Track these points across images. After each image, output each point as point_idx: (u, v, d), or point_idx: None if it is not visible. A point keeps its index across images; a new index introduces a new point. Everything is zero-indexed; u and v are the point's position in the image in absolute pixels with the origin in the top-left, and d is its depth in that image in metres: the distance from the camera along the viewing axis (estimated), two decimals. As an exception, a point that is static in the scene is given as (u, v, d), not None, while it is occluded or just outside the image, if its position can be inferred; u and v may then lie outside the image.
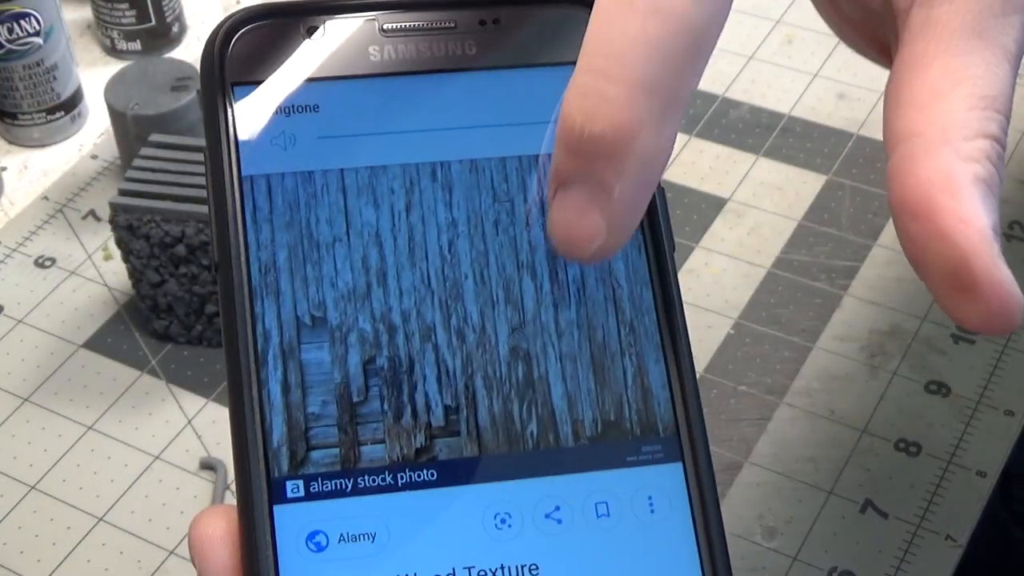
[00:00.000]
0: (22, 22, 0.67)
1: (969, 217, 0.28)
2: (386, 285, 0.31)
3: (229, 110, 0.31)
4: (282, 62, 0.32)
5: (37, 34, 0.68)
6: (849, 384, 0.58)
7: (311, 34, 0.32)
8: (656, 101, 0.26)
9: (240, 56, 0.32)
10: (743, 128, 0.70)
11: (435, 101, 0.32)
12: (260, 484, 0.29)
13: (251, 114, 0.32)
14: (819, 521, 0.53)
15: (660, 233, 0.32)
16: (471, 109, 0.32)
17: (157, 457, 0.56)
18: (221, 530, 0.29)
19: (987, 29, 0.30)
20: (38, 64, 0.69)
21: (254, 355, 0.30)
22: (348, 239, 0.31)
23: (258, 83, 0.32)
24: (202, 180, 0.57)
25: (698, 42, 0.26)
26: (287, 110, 0.32)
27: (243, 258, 0.31)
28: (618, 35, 0.26)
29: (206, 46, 0.32)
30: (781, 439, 0.56)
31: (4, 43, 0.67)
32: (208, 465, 0.55)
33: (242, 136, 0.31)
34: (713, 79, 0.73)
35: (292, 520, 0.29)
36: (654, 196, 0.32)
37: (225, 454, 0.56)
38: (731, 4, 0.27)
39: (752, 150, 0.69)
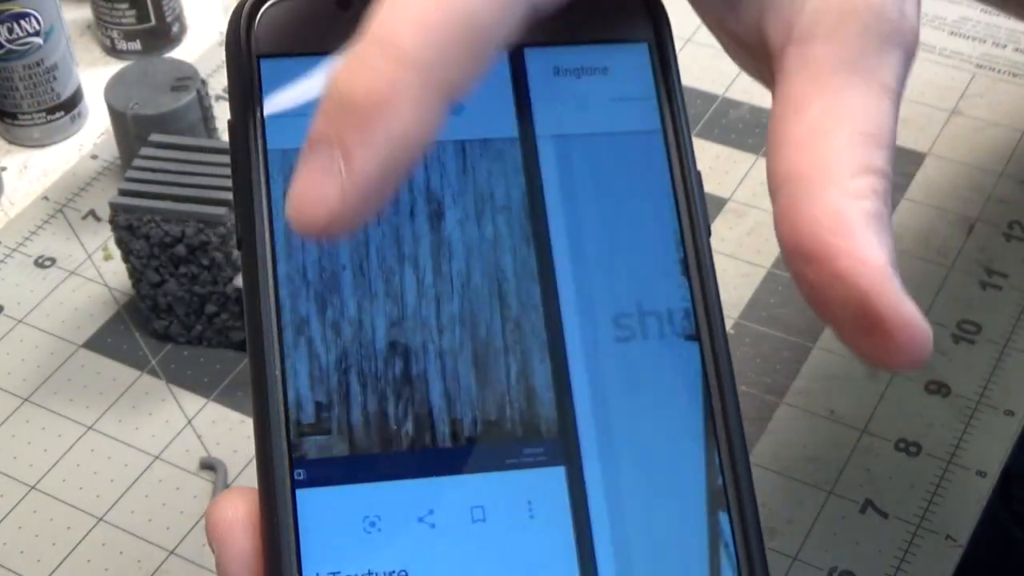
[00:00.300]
0: (22, 22, 0.67)
1: (865, 256, 0.28)
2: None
3: (255, 83, 0.30)
4: (311, 34, 0.31)
5: (37, 34, 0.68)
6: (849, 384, 0.58)
7: (341, 6, 0.31)
8: (420, 80, 0.26)
9: (267, 27, 0.31)
10: (743, 128, 0.70)
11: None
12: (283, 467, 0.28)
13: (278, 87, 0.31)
14: (819, 521, 0.53)
15: (698, 218, 0.32)
16: (503, 89, 0.32)
17: (157, 457, 0.56)
18: (241, 514, 0.29)
19: (864, 66, 0.30)
20: (38, 64, 0.69)
21: (277, 335, 0.29)
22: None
23: (286, 55, 0.31)
24: (202, 180, 0.57)
25: (476, 34, 0.26)
26: (315, 84, 0.31)
27: (268, 234, 0.30)
28: (399, 12, 0.26)
29: (232, 17, 0.31)
30: (781, 439, 0.56)
31: (4, 43, 0.67)
32: (208, 465, 0.55)
33: (268, 110, 0.30)
34: (713, 79, 0.73)
35: (316, 504, 0.28)
36: (690, 180, 0.32)
37: (225, 454, 0.56)
38: (528, 6, 0.27)
39: (752, 150, 0.69)
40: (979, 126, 0.70)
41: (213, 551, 0.29)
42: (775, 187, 0.29)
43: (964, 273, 0.62)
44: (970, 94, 0.71)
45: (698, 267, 0.31)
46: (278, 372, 0.29)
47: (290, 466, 0.29)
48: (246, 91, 0.30)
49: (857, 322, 0.28)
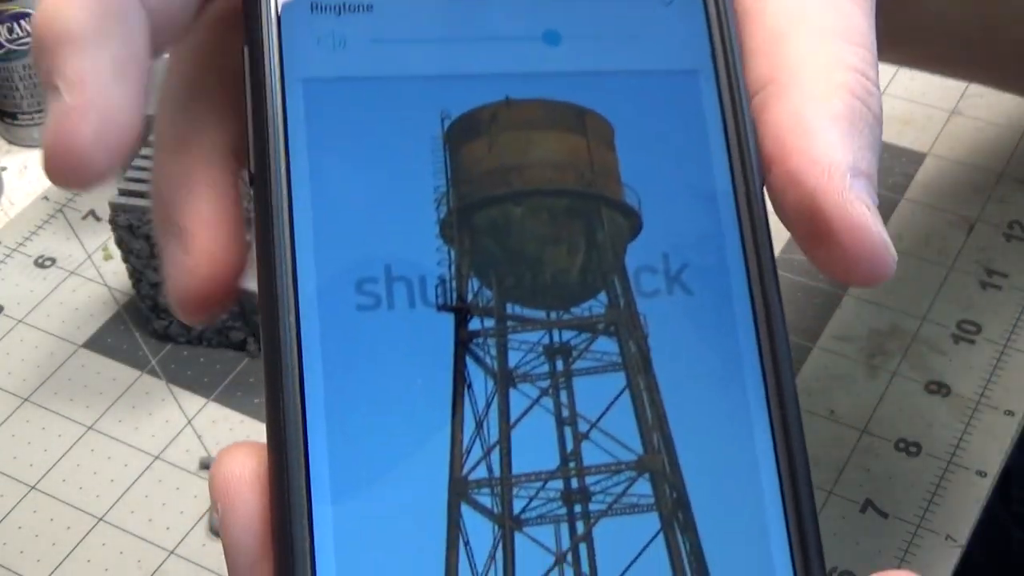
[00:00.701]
0: (22, 22, 0.67)
1: (819, 156, 0.26)
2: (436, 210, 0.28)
3: (272, 5, 0.29)
4: None
5: (37, 34, 0.68)
6: (849, 384, 0.58)
7: None
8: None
9: None
10: (743, 128, 0.70)
11: (504, 7, 0.30)
12: (295, 420, 0.26)
13: (296, 11, 0.29)
14: (819, 521, 0.53)
15: (751, 166, 0.29)
16: (540, 18, 0.30)
17: (157, 457, 0.56)
18: (249, 471, 0.26)
19: None
20: (38, 64, 0.69)
21: (292, 277, 0.27)
22: (397, 155, 0.28)
23: None
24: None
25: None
26: (338, 8, 0.29)
27: (283, 169, 0.28)
28: None
29: None
30: (781, 439, 0.56)
31: (4, 43, 0.67)
32: (208, 465, 0.55)
33: (286, 35, 0.28)
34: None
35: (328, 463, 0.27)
36: (743, 124, 0.29)
37: (225, 454, 0.56)
38: None
39: (752, 150, 0.69)
40: (979, 126, 0.70)
41: (217, 511, 0.27)
42: (750, 98, 0.28)
43: (964, 273, 0.62)
44: (970, 94, 0.71)
45: (751, 222, 0.29)
46: (292, 319, 0.27)
47: (303, 418, 0.26)
48: (262, 14, 0.28)
49: (808, 228, 0.26)
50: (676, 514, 0.27)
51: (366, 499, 0.26)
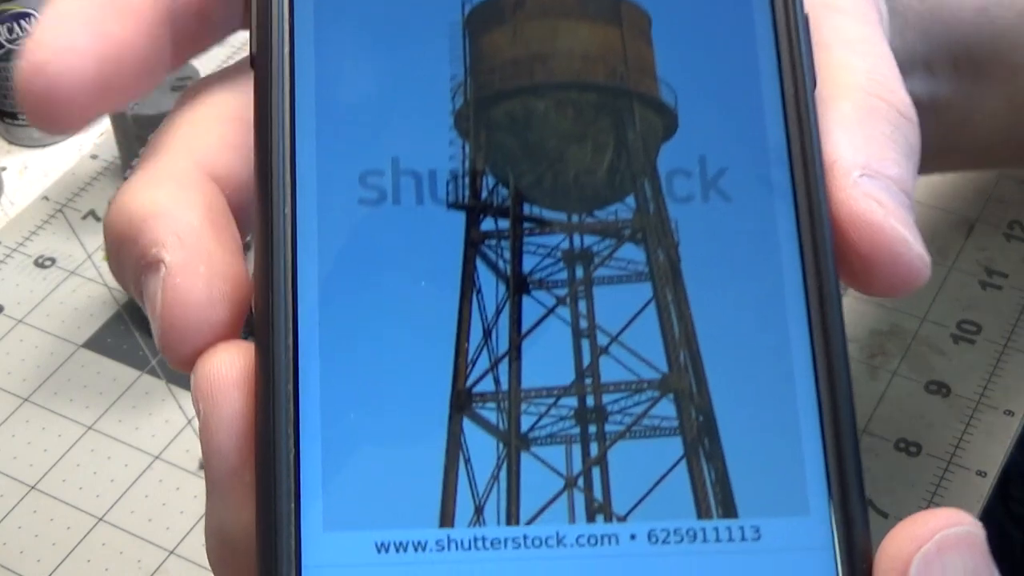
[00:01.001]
0: (22, 22, 0.67)
1: (824, 158, 0.25)
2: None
3: None
4: None
5: (37, 34, 0.68)
6: (849, 384, 0.58)
7: None
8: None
9: None
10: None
11: None
12: (285, 319, 0.24)
13: None
14: (819, 521, 0.53)
15: (802, 68, 0.26)
16: None
17: (157, 457, 0.56)
18: (236, 372, 0.24)
19: None
20: (38, 64, 0.69)
21: (290, 166, 0.25)
22: (411, 40, 0.26)
23: None
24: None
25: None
26: None
27: (287, 50, 0.26)
28: None
29: None
30: (781, 439, 0.56)
31: (4, 43, 0.67)
32: (208, 465, 0.55)
33: None
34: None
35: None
36: (795, 21, 0.27)
37: (225, 454, 0.56)
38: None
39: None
40: (979, 126, 0.70)
41: (198, 412, 0.25)
42: None
43: (964, 273, 0.62)
44: (970, 94, 0.71)
45: (799, 126, 0.26)
46: (288, 210, 0.25)
47: (294, 320, 0.25)
48: None
49: None
50: (701, 440, 0.25)
51: (359, 408, 0.24)
